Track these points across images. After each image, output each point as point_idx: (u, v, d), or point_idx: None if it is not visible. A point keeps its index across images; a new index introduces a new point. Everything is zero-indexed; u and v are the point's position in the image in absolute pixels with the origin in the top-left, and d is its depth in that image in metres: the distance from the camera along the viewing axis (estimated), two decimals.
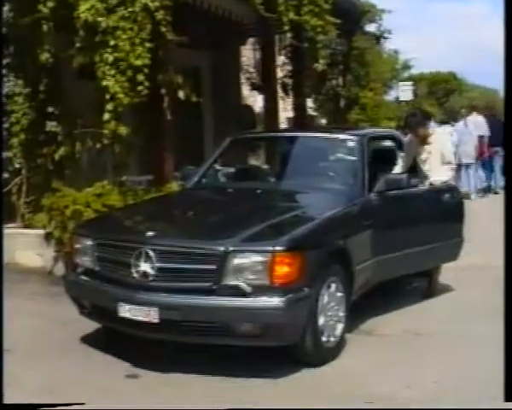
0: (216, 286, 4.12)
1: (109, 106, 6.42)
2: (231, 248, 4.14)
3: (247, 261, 4.13)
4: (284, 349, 4.41)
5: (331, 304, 4.58)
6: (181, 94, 6.87)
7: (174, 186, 7.14)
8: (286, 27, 9.06)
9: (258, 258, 4.12)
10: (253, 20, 9.80)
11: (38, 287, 6.59)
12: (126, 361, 4.54)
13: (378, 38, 13.79)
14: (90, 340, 5.06)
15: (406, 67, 41.69)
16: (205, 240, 4.31)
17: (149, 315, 4.20)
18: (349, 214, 5.05)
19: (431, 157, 6.19)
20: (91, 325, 5.11)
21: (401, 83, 27.91)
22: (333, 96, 14.13)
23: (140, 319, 4.24)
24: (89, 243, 4.67)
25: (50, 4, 6.68)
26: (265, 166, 6.04)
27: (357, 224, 5.07)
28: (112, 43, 6.39)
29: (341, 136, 6.05)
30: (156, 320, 4.19)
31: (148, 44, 6.43)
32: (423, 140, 6.22)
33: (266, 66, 10.21)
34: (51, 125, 7.34)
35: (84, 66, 6.67)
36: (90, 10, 6.42)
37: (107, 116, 6.43)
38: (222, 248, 4.14)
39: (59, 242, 6.81)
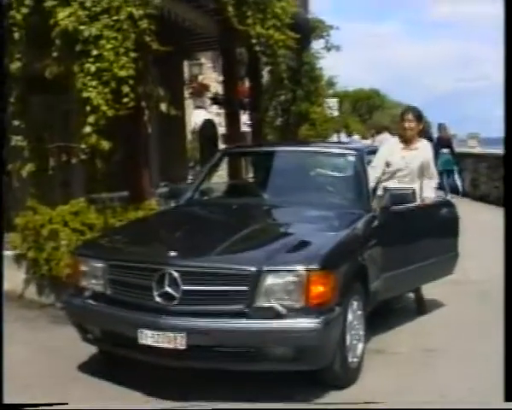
0: (248, 308, 3.96)
1: (91, 119, 6.10)
2: (265, 268, 3.98)
3: (281, 281, 3.98)
4: (305, 372, 4.27)
5: (354, 323, 4.52)
6: (163, 107, 6.63)
7: (153, 204, 6.89)
8: (254, 40, 8.97)
9: (292, 278, 3.98)
10: (215, 33, 9.71)
11: (11, 312, 6.18)
12: (137, 390, 4.30)
13: (328, 50, 13.81)
14: (88, 368, 4.77)
15: (331, 83, 42.58)
16: (235, 260, 4.14)
17: (175, 341, 3.98)
18: (363, 231, 4.99)
19: (410, 167, 5.93)
20: (83, 352, 4.85)
21: (327, 99, 28.48)
22: (282, 111, 14.11)
23: (164, 345, 4.00)
24: (99, 264, 4.39)
25: (24, 11, 6.32)
26: (263, 182, 5.87)
27: (369, 240, 5.03)
28: (94, 52, 6.09)
29: (340, 150, 6.02)
30: (183, 347, 3.97)
31: (132, 54, 6.17)
32: (409, 142, 5.96)
33: (229, 80, 10.06)
34: (17, 140, 6.92)
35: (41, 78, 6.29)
36: (71, 18, 6.10)
37: (88, 129, 6.10)
38: (254, 269, 3.98)
39: (33, 263, 6.42)
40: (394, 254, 5.32)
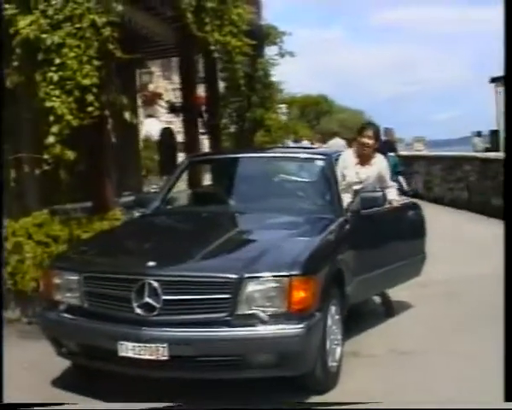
0: (230, 316, 3.95)
1: (54, 128, 5.98)
2: (246, 275, 3.97)
3: (262, 288, 3.98)
4: (287, 378, 4.28)
5: (333, 328, 4.55)
6: (127, 115, 6.56)
7: (118, 214, 6.81)
8: (212, 47, 8.98)
9: (273, 284, 3.98)
10: (172, 40, 9.67)
11: None
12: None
13: (282, 56, 13.89)
14: (62, 383, 4.67)
15: (278, 90, 42.83)
16: (215, 268, 4.13)
17: (157, 352, 3.94)
18: (337, 235, 5.02)
19: (365, 182, 5.86)
20: (51, 368, 4.75)
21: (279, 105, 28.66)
22: (237, 118, 14.12)
23: (146, 357, 3.95)
24: (74, 277, 4.30)
25: None
26: (232, 189, 5.85)
27: (343, 244, 5.06)
28: (57, 61, 5.98)
29: (310, 155, 6.05)
30: (165, 357, 3.93)
31: (96, 62, 6.09)
32: (365, 159, 5.89)
33: (187, 87, 10.02)
34: None
35: None
36: (32, 26, 5.98)
37: (51, 139, 5.98)
38: (235, 276, 3.97)
39: None
40: (365, 257, 5.36)
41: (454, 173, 14.71)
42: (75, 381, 4.69)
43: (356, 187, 5.83)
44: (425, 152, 20.19)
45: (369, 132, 5.89)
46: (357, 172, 5.90)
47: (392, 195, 5.99)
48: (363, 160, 5.94)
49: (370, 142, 5.87)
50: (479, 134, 28.32)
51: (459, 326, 5.78)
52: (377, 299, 6.52)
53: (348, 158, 6.00)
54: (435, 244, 6.47)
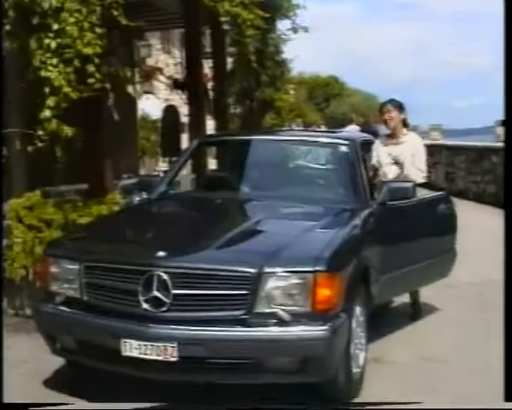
0: (247, 315, 3.87)
1: (50, 101, 5.87)
2: (266, 270, 3.89)
3: (284, 284, 3.90)
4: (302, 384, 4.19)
5: (357, 330, 4.47)
6: (130, 89, 6.46)
7: (117, 197, 6.71)
8: (221, 19, 8.84)
9: (296, 280, 3.90)
10: (177, 9, 9.57)
11: None
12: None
13: (295, 32, 13.75)
14: (55, 384, 4.59)
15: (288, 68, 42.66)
16: (232, 260, 4.02)
17: (165, 352, 3.86)
18: (362, 228, 4.93)
19: (402, 161, 6.03)
20: (42, 367, 4.69)
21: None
22: (245, 98, 14.00)
23: (152, 357, 3.86)
24: (73, 266, 4.21)
25: None
26: (246, 174, 5.78)
27: (368, 239, 4.97)
28: (55, 27, 5.87)
29: (332, 140, 5.95)
30: (174, 358, 3.84)
31: (98, 30, 5.97)
32: (394, 136, 6.11)
33: (193, 62, 9.90)
34: None
35: None
36: None
37: (47, 113, 5.87)
38: (254, 270, 3.89)
39: None
40: (392, 254, 5.29)
41: (480, 165, 14.61)
42: (69, 381, 4.61)
43: (389, 169, 5.93)
44: (447, 141, 19.99)
45: (388, 106, 6.09)
46: (389, 153, 5.99)
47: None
48: (393, 137, 6.10)
49: (392, 114, 6.06)
50: (504, 123, 28.16)
51: (488, 333, 5.69)
52: (400, 299, 6.46)
53: (379, 144, 6.15)
54: (460, 242, 6.38)
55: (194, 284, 3.92)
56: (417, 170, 6.01)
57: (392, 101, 6.19)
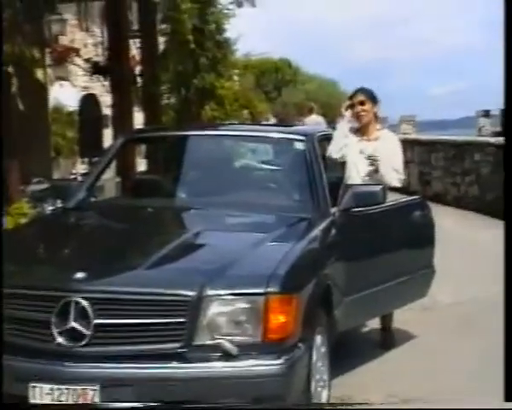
0: (185, 348, 3.85)
1: None
2: (208, 292, 3.88)
3: (230, 309, 3.91)
4: None
5: (318, 364, 4.49)
6: (39, 74, 6.38)
7: (24, 207, 6.63)
8: None
9: (245, 304, 3.91)
10: None
11: None
12: None
13: (239, 6, 13.87)
14: None
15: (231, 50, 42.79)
16: (167, 282, 4.00)
17: (85, 397, 3.80)
18: (322, 241, 4.97)
19: (377, 161, 6.04)
20: None
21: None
22: (180, 85, 14.03)
23: (69, 402, 3.79)
24: None
25: None
26: (182, 177, 5.77)
27: (331, 253, 5.02)
28: None
29: (285, 135, 5.98)
30: (96, 401, 3.78)
31: None
32: (367, 131, 6.14)
33: (116, 42, 9.85)
34: None
35: None
36: None
37: None
38: (194, 293, 3.87)
39: None
40: (359, 271, 5.35)
41: (460, 164, 14.84)
42: None
43: (361, 168, 5.97)
44: (421, 136, 20.29)
45: (361, 96, 6.13)
46: (360, 150, 5.97)
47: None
48: (364, 133, 6.14)
49: (366, 106, 6.11)
50: (486, 114, 28.76)
51: (474, 364, 5.77)
52: (371, 324, 6.52)
53: (349, 135, 6.13)
54: (439, 256, 6.47)
55: (120, 311, 3.88)
56: (394, 172, 6.06)
57: (364, 90, 6.25)
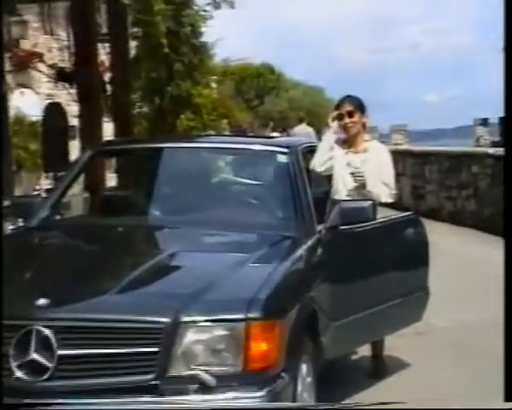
0: (159, 380, 3.83)
1: None
2: (184, 319, 3.88)
3: (208, 337, 3.91)
4: None
5: (304, 395, 4.51)
6: None
7: None
8: None
9: (223, 331, 3.91)
10: None
11: None
12: None
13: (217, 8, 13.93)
14: None
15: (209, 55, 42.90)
16: (138, 308, 4.00)
17: None
18: (309, 261, 5.01)
19: (365, 175, 6.06)
20: None
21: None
22: (153, 93, 14.08)
23: None
24: None
25: None
26: (155, 193, 5.79)
27: (317, 275, 5.05)
28: None
29: (267, 147, 6.02)
30: None
31: None
32: (354, 144, 6.17)
33: (83, 46, 9.87)
34: None
35: None
36: None
37: None
38: (168, 320, 3.86)
39: None
40: (347, 294, 5.38)
41: (456, 177, 14.92)
42: None
43: (348, 182, 6.00)
44: (413, 146, 20.40)
45: (349, 106, 6.15)
46: (347, 162, 5.99)
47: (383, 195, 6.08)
48: (351, 144, 6.16)
49: (355, 117, 6.13)
50: (484, 122, 28.99)
51: (471, 396, 5.78)
52: (361, 351, 6.55)
53: (336, 147, 6.15)
54: (434, 278, 6.49)
55: (86, 341, 3.86)
56: (384, 186, 6.07)
57: (352, 99, 6.27)
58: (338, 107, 6.26)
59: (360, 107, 6.22)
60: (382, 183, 6.08)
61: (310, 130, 17.88)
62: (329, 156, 6.05)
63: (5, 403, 3.62)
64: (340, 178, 6.05)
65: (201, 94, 14.43)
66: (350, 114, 6.12)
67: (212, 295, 4.05)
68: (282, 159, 5.74)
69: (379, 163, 6.12)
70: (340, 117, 6.15)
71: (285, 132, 18.68)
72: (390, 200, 6.14)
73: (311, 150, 6.15)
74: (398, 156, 17.55)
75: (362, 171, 5.98)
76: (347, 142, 6.19)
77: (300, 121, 18.26)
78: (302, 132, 16.51)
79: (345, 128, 6.15)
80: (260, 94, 54.34)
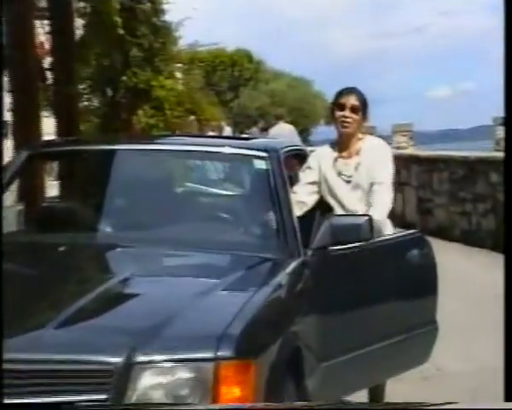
0: None
1: None
2: (140, 358, 3.90)
3: (168, 381, 3.93)
4: None
5: None
6: None
7: None
8: None
9: (188, 373, 3.94)
10: None
11: None
12: None
13: None
14: None
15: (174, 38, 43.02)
16: (85, 346, 4.00)
17: None
18: (292, 289, 5.04)
19: (359, 183, 6.11)
20: None
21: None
22: (103, 84, 14.11)
23: None
24: None
25: None
26: (104, 205, 5.81)
27: (301, 305, 5.08)
28: None
29: (243, 150, 6.06)
30: None
31: None
32: (347, 145, 6.17)
33: (17, 23, 9.89)
34: None
35: None
36: None
37: None
38: (120, 359, 3.88)
39: None
40: (339, 328, 5.40)
41: (471, 187, 14.99)
42: None
43: (341, 193, 6.03)
44: (420, 151, 20.51)
45: (354, 101, 6.13)
46: (338, 171, 6.01)
47: (380, 205, 6.04)
48: (345, 147, 6.15)
49: (356, 116, 6.13)
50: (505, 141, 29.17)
51: None
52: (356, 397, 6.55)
53: (325, 154, 6.21)
54: (443, 309, 6.51)
55: (18, 387, 3.86)
56: (381, 196, 6.06)
57: (358, 93, 6.26)
58: (340, 95, 6.22)
59: (364, 106, 6.23)
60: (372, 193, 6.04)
61: (290, 127, 17.95)
62: (313, 180, 6.08)
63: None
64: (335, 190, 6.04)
65: (164, 85, 14.41)
66: (353, 110, 6.11)
67: (173, 330, 4.08)
68: (260, 164, 5.77)
69: (374, 166, 6.10)
70: (340, 107, 6.14)
71: (266, 132, 18.69)
72: (384, 215, 6.10)
73: (296, 154, 6.17)
74: (401, 162, 17.65)
75: (356, 179, 5.99)
76: (338, 143, 6.21)
77: (278, 119, 18.18)
78: (282, 133, 16.47)
79: (342, 123, 6.13)
80: (235, 86, 54.53)
